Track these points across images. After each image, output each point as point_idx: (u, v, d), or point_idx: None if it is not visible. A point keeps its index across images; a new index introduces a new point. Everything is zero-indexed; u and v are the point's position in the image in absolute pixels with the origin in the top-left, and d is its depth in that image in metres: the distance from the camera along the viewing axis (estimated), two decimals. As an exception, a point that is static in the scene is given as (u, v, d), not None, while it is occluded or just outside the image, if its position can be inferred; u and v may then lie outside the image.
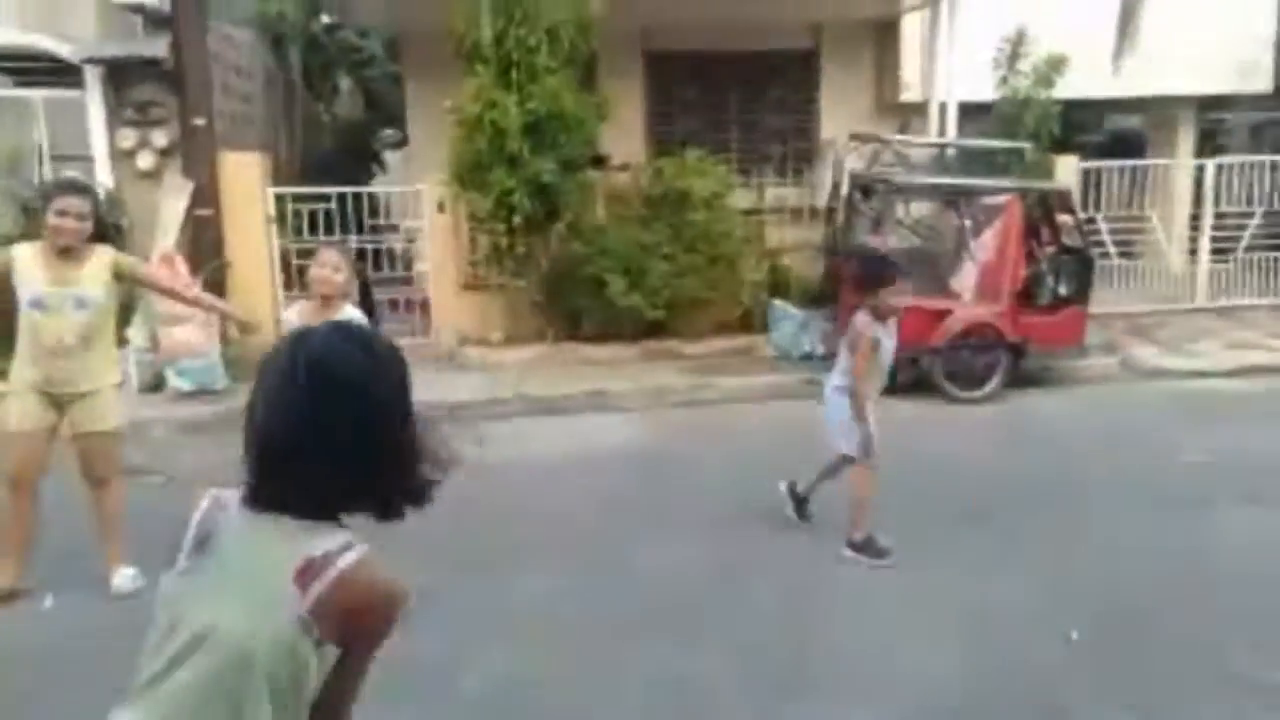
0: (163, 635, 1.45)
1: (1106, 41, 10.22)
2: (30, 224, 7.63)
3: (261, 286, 8.71)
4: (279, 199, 9.02)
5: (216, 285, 8.42)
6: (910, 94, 10.97)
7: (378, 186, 13.04)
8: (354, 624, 1.45)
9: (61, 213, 4.17)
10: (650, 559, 4.76)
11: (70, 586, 4.40)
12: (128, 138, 8.71)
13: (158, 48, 8.51)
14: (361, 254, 7.71)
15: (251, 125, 11.16)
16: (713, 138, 10.89)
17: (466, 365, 8.55)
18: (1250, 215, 10.50)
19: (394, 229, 10.80)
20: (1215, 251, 10.61)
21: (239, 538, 1.47)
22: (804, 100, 11.58)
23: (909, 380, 7.29)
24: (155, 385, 7.77)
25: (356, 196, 9.18)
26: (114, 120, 8.73)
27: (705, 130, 11.16)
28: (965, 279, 7.97)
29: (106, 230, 4.50)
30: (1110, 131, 14.28)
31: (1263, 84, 11.87)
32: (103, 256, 4.33)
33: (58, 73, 8.64)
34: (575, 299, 8.62)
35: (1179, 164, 11.67)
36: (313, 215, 8.95)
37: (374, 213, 9.86)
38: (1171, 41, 10.97)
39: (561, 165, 8.05)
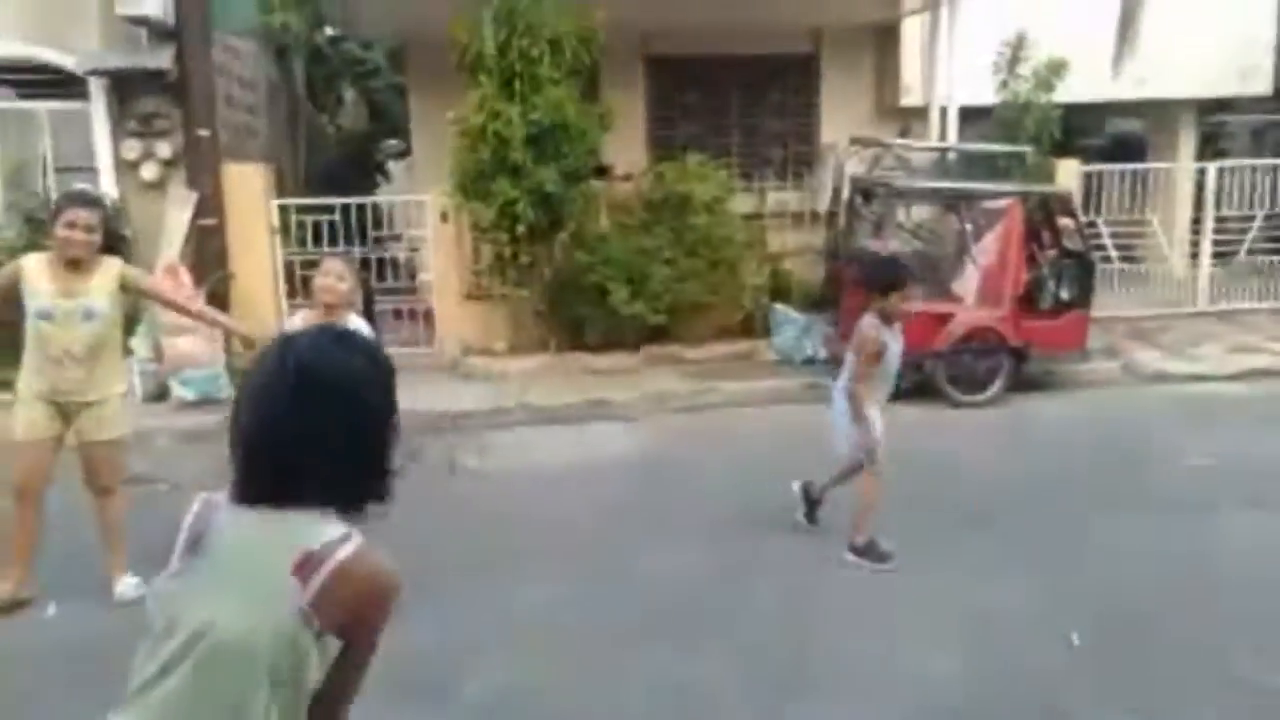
0: (159, 637, 1.46)
1: (1107, 45, 10.24)
2: (36, 235, 7.69)
3: (265, 297, 8.75)
4: (283, 209, 9.06)
5: (220, 296, 8.47)
6: (911, 98, 11.00)
7: (381, 197, 13.07)
8: (354, 614, 1.48)
9: (70, 225, 4.21)
10: (652, 565, 4.77)
11: (73, 594, 4.42)
12: (132, 149, 8.75)
13: (162, 59, 8.55)
14: (365, 264, 7.75)
15: (255, 136, 11.21)
16: (713, 142, 10.92)
17: (470, 375, 8.58)
18: (1251, 218, 10.50)
19: (397, 239, 10.84)
20: (1217, 255, 10.60)
21: (233, 535, 1.49)
22: (804, 104, 11.61)
23: (911, 384, 7.29)
24: (159, 395, 7.81)
25: (360, 207, 9.22)
26: (118, 131, 8.78)
27: (706, 135, 11.19)
28: (967, 283, 7.99)
29: (115, 242, 4.53)
30: (1111, 135, 14.29)
31: (1263, 87, 11.88)
32: (110, 268, 4.37)
33: (62, 84, 8.69)
34: (578, 308, 8.64)
35: (1180, 167, 11.68)
36: (316, 226, 8.99)
37: (377, 223, 9.89)
38: (1172, 45, 10.99)
39: (564, 175, 8.09)
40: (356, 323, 4.06)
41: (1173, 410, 7.50)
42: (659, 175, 9.17)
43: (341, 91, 16.67)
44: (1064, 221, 8.12)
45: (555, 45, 7.96)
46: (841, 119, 11.04)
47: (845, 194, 9.03)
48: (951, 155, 9.53)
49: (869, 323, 4.71)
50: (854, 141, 9.58)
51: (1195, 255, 10.77)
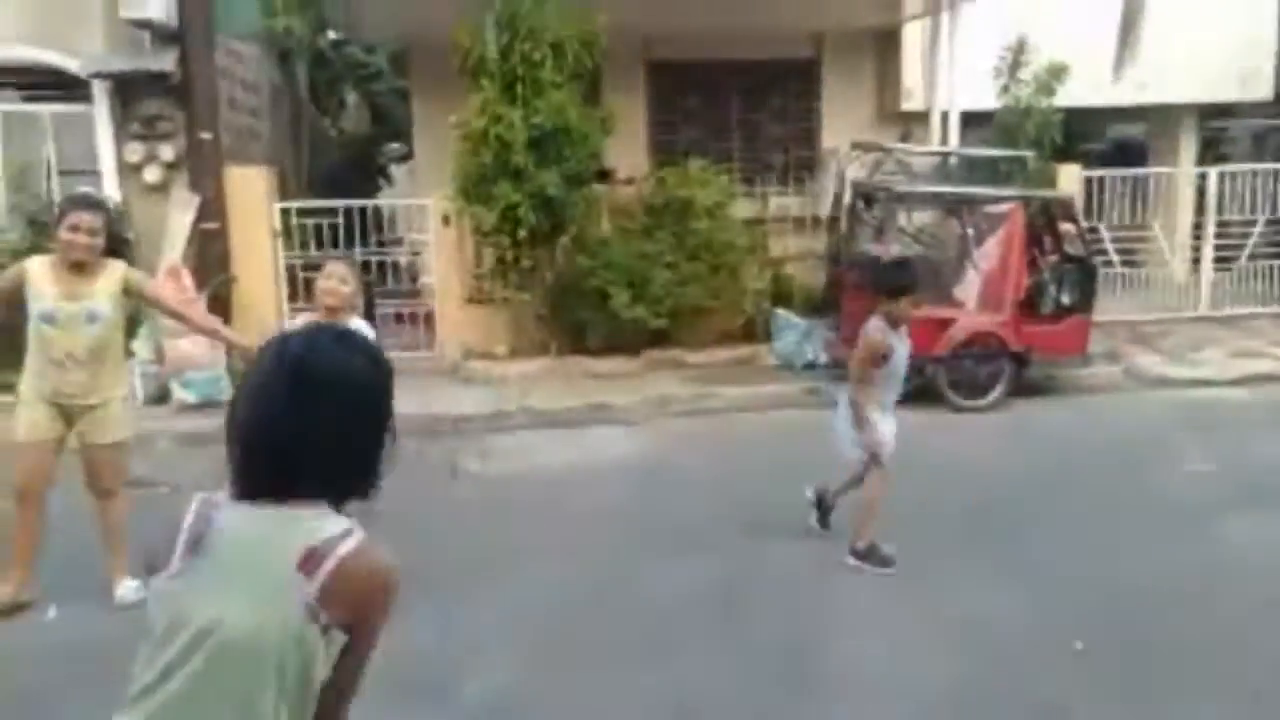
0: (161, 639, 1.46)
1: (1108, 50, 10.25)
2: (39, 238, 7.70)
3: (267, 300, 8.76)
4: (285, 213, 9.07)
5: (222, 299, 8.49)
6: (912, 103, 11.01)
7: (383, 200, 13.11)
8: (358, 608, 1.49)
9: (74, 228, 4.22)
10: (652, 568, 4.77)
11: (74, 597, 4.43)
12: (135, 152, 8.77)
13: (165, 62, 8.57)
14: (366, 267, 7.76)
15: (258, 139, 11.23)
16: (715, 147, 10.94)
17: (471, 378, 8.58)
18: (1253, 223, 10.50)
19: (399, 242, 10.86)
20: (1218, 260, 10.60)
21: (235, 533, 1.49)
22: (806, 109, 11.63)
23: (913, 389, 7.28)
24: (160, 397, 7.82)
25: (362, 210, 9.24)
26: (121, 134, 8.80)
27: (707, 139, 11.21)
28: (968, 288, 7.99)
29: (117, 245, 4.54)
30: (1112, 140, 14.30)
31: (1264, 91, 11.89)
32: (114, 272, 4.37)
33: (66, 87, 8.71)
34: (579, 312, 8.65)
35: (1181, 172, 11.69)
36: (318, 229, 9.01)
37: (379, 226, 9.92)
38: (1173, 50, 11.00)
39: (566, 179, 8.10)
40: (358, 325, 4.06)
41: (1174, 415, 7.50)
42: (660, 180, 9.18)
43: (344, 95, 16.69)
44: (1065, 226, 8.13)
45: (557, 49, 7.98)
46: (843, 124, 11.05)
47: (846, 199, 9.04)
48: (953, 160, 9.55)
49: (874, 325, 4.70)
50: (855, 146, 9.59)
51: (1197, 260, 10.77)
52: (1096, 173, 10.48)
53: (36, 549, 4.43)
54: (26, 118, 8.96)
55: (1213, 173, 10.64)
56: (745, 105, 11.55)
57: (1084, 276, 8.03)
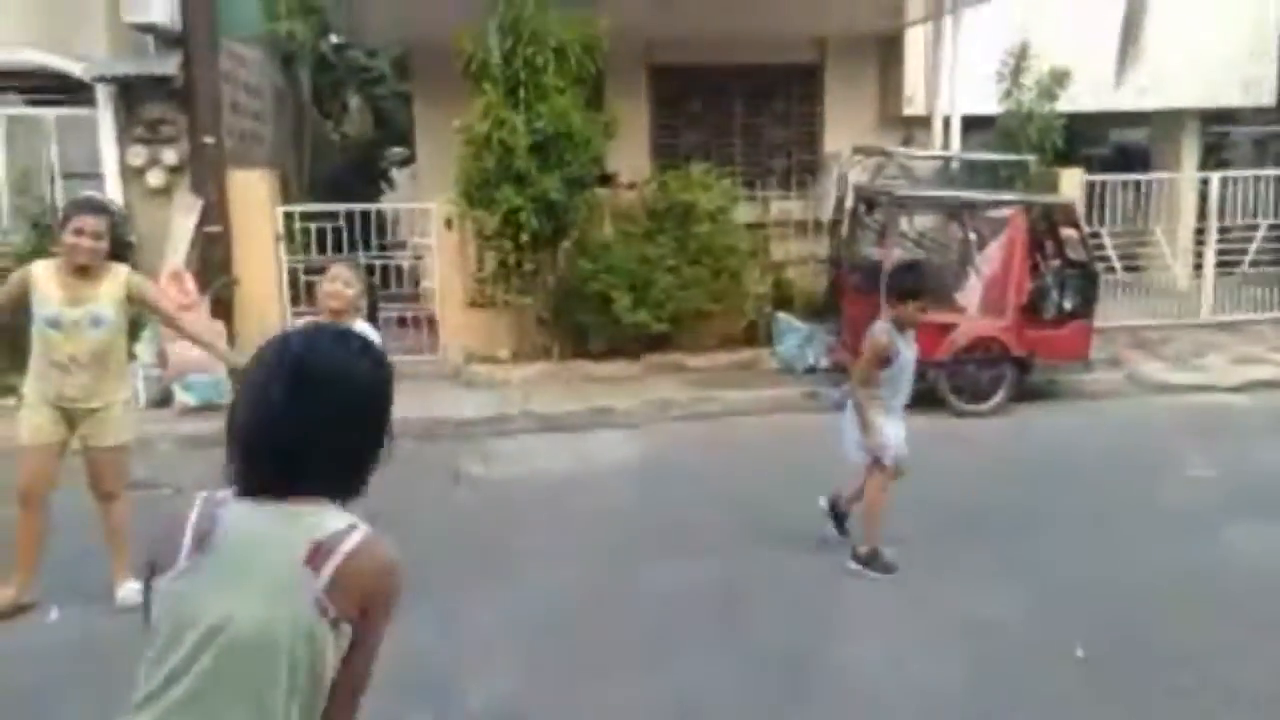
0: (168, 639, 1.46)
1: (1110, 55, 10.26)
2: (42, 241, 7.71)
3: (270, 303, 8.77)
4: (288, 216, 9.08)
5: (224, 302, 8.51)
6: (914, 107, 11.03)
7: (385, 204, 13.12)
8: (365, 601, 1.50)
9: (78, 231, 4.22)
10: (654, 572, 4.77)
11: (75, 599, 4.43)
12: (138, 155, 8.79)
13: (169, 66, 8.59)
14: (369, 271, 7.78)
15: (261, 143, 11.25)
16: (717, 151, 10.96)
17: (473, 382, 8.58)
18: (1255, 229, 10.50)
19: (402, 246, 10.86)
20: (1220, 265, 10.60)
21: (241, 530, 1.50)
22: (808, 114, 11.63)
23: (915, 394, 7.28)
24: (162, 400, 7.83)
25: (364, 214, 9.24)
26: (124, 138, 8.81)
27: (710, 143, 11.23)
28: (970, 292, 7.98)
29: (120, 249, 4.55)
30: (1114, 145, 14.31)
31: (1266, 97, 11.90)
32: (118, 276, 4.38)
33: (69, 91, 8.73)
34: (581, 316, 8.65)
35: (1183, 177, 11.68)
36: (321, 233, 9.01)
37: (382, 230, 9.92)
38: (1175, 55, 11.02)
39: (568, 183, 8.10)
40: (362, 328, 4.06)
41: (1175, 421, 7.50)
42: (663, 184, 9.19)
43: (347, 99, 16.72)
44: (1067, 231, 8.12)
45: (560, 54, 7.99)
46: (845, 128, 11.06)
47: (848, 203, 9.05)
48: (954, 164, 9.55)
49: (881, 327, 4.70)
50: (857, 150, 9.59)
51: (1199, 266, 10.77)
52: (1098, 178, 10.48)
53: (39, 551, 4.44)
54: (30, 121, 8.98)
55: (1215, 178, 10.63)
56: (748, 110, 11.56)
57: (1086, 282, 8.03)
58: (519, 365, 8.74)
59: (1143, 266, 10.83)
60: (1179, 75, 11.36)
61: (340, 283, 4.26)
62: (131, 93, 8.76)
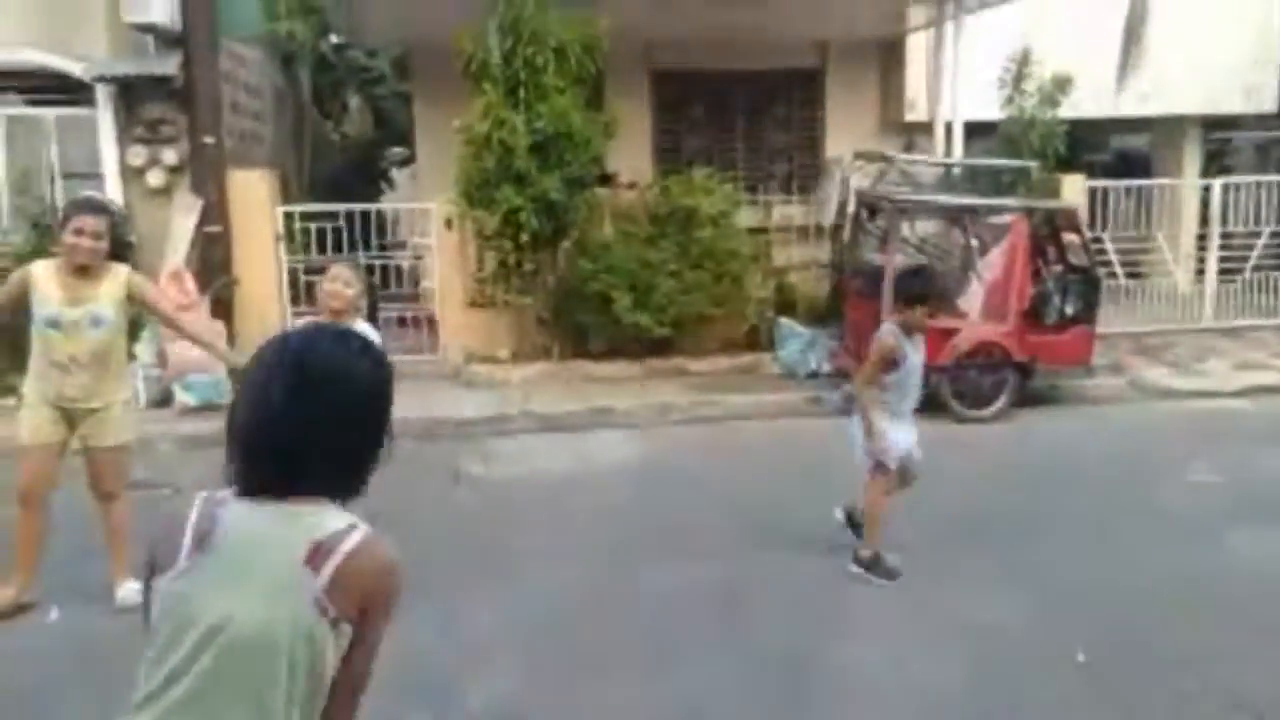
0: (168, 639, 1.45)
1: (1112, 62, 10.27)
2: (42, 241, 7.69)
3: (270, 303, 8.76)
4: (288, 216, 9.07)
5: (224, 302, 8.49)
6: (916, 113, 11.02)
7: (385, 204, 13.11)
8: (365, 601, 1.49)
9: (79, 231, 4.21)
10: (654, 574, 4.75)
11: (75, 599, 4.41)
12: (138, 155, 8.77)
13: (169, 66, 8.58)
14: (369, 271, 7.77)
15: (261, 143, 11.23)
16: (719, 156, 10.95)
17: (473, 382, 8.57)
18: (1257, 235, 10.50)
19: (402, 246, 10.86)
20: (1223, 271, 10.60)
21: (241, 530, 1.49)
22: (810, 119, 11.63)
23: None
24: (162, 400, 7.81)
25: (364, 214, 9.23)
26: (125, 138, 8.80)
27: (712, 148, 11.22)
28: (972, 298, 7.97)
29: (120, 249, 4.53)
30: (1116, 151, 14.31)
31: (1268, 104, 11.90)
32: (118, 276, 4.37)
33: (69, 91, 8.72)
34: (581, 316, 8.64)
35: (1186, 184, 11.69)
36: (321, 233, 9.00)
37: (382, 230, 9.91)
38: (1177, 62, 11.03)
39: (568, 183, 8.10)
40: (362, 328, 4.04)
41: (1178, 427, 7.48)
42: (665, 188, 9.18)
43: (347, 99, 16.72)
44: (1069, 237, 8.11)
45: (560, 54, 7.98)
46: (846, 133, 11.06)
47: (850, 208, 9.04)
48: (956, 170, 9.54)
49: (888, 330, 4.68)
50: (859, 156, 9.58)
51: (1201, 271, 10.77)
52: (1100, 183, 10.47)
53: (39, 551, 4.42)
54: (30, 121, 8.97)
55: (1217, 184, 10.63)
56: (749, 115, 11.55)
57: (1088, 287, 8.01)
58: (519, 365, 8.73)
59: (1145, 272, 10.82)
60: (1181, 82, 11.37)
61: (340, 283, 4.24)
62: (132, 93, 8.75)
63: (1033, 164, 9.43)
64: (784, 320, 9.05)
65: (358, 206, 9.30)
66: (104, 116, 8.73)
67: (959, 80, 9.76)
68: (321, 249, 8.85)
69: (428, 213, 9.23)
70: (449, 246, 9.05)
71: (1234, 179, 10.92)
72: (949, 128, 9.95)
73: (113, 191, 8.59)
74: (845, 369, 8.32)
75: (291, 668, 1.44)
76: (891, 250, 7.88)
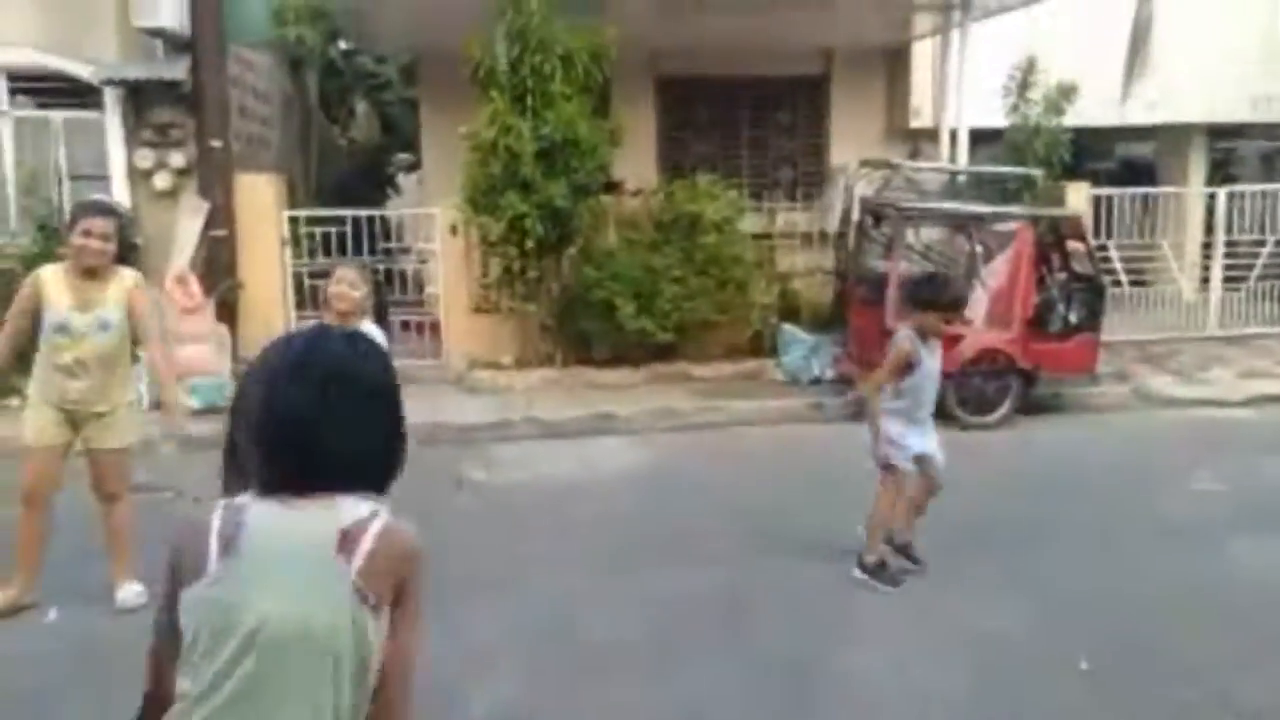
0: (207, 648, 1.45)
1: (1117, 70, 10.26)
2: (49, 243, 7.72)
3: (274, 307, 8.78)
4: (293, 220, 9.10)
5: (229, 305, 8.52)
6: (921, 120, 11.03)
7: (391, 209, 13.14)
8: (399, 580, 1.52)
9: (86, 233, 4.23)
10: (656, 580, 4.74)
11: (75, 600, 4.42)
12: (145, 158, 8.81)
13: (177, 70, 8.62)
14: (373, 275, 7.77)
15: (268, 147, 11.27)
16: (724, 162, 10.96)
17: (476, 388, 8.57)
18: (1262, 243, 10.48)
19: (406, 251, 10.88)
20: (1227, 280, 10.58)
21: (266, 529, 1.49)
22: (815, 125, 11.64)
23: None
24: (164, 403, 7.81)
25: (370, 219, 9.26)
26: (132, 141, 8.84)
27: (716, 154, 11.23)
28: (976, 305, 7.97)
29: (126, 251, 4.55)
30: (1121, 159, 14.30)
31: (1275, 113, 11.89)
32: (124, 280, 4.39)
33: (78, 94, 8.76)
34: (585, 323, 8.65)
35: (1191, 192, 11.67)
36: (326, 237, 9.03)
37: (387, 235, 9.93)
38: (1183, 71, 11.03)
39: (574, 190, 8.11)
40: (369, 329, 4.04)
41: (1181, 435, 7.47)
42: (669, 194, 9.20)
43: (354, 104, 16.76)
44: (1074, 245, 8.11)
45: (567, 62, 8.01)
46: (851, 140, 11.07)
47: (854, 215, 9.04)
48: (961, 177, 9.54)
49: (904, 335, 4.66)
50: (864, 163, 9.59)
51: (1205, 280, 10.75)
52: (1105, 191, 10.47)
53: (41, 552, 4.43)
54: (38, 123, 9.02)
55: (1221, 193, 10.62)
56: (754, 121, 11.57)
57: (1092, 295, 8.01)
58: (522, 371, 8.74)
59: (1149, 280, 10.81)
60: (1187, 90, 11.38)
61: (346, 284, 4.23)
62: (140, 96, 8.79)
63: (1038, 172, 9.44)
64: (787, 326, 9.05)
65: (363, 211, 9.33)
66: (112, 119, 8.77)
67: (964, 87, 9.77)
68: (327, 253, 8.87)
69: (433, 218, 9.25)
70: (454, 252, 9.07)
71: (1239, 187, 10.92)
72: (954, 135, 9.96)
73: (119, 194, 8.63)
74: (848, 375, 8.32)
75: (336, 659, 1.45)
76: (896, 257, 7.89)
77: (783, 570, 4.88)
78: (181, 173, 8.81)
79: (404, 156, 16.74)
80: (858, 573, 4.70)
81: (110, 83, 8.61)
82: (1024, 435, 7.49)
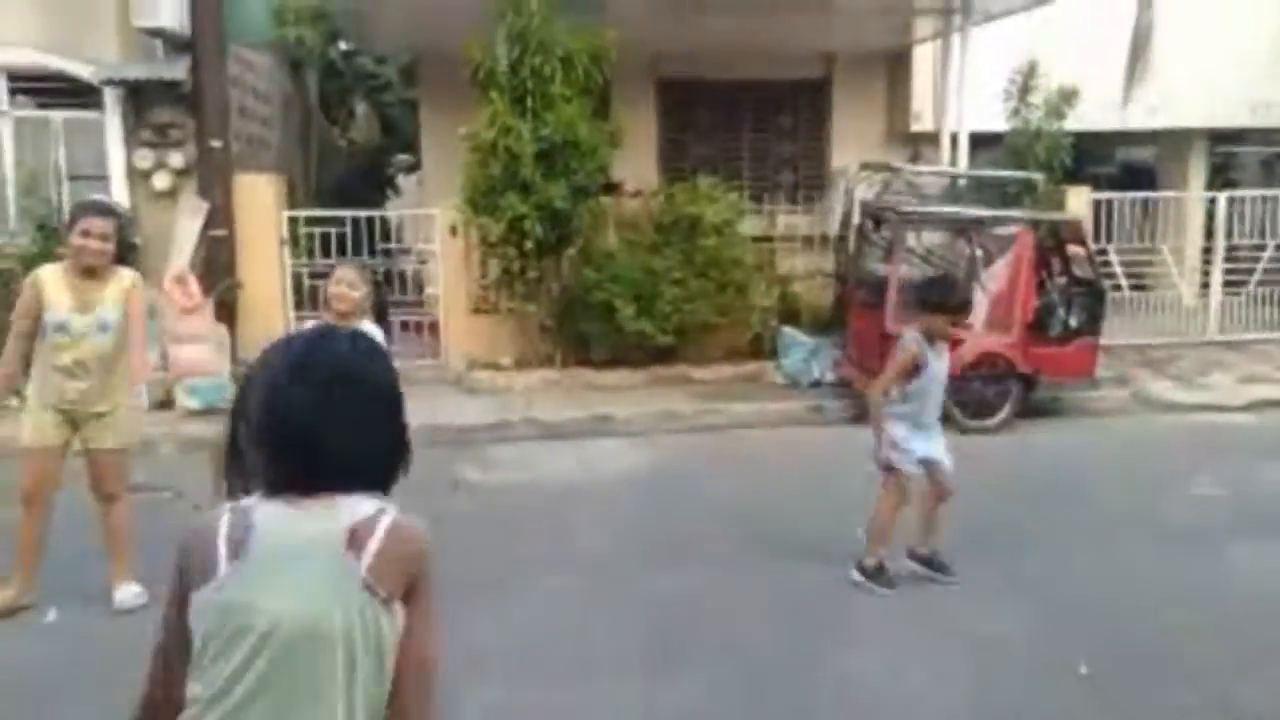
0: (218, 651, 1.44)
1: (1118, 74, 10.27)
2: (48, 243, 7.72)
3: (274, 307, 8.78)
4: (293, 221, 9.10)
5: (229, 305, 8.51)
6: (921, 124, 11.03)
7: (391, 210, 13.14)
8: (409, 574, 1.51)
9: (86, 233, 4.23)
10: (654, 583, 4.74)
11: (73, 600, 4.41)
12: (145, 158, 8.80)
13: (177, 71, 8.62)
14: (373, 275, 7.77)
15: (268, 148, 11.27)
16: (724, 165, 10.96)
17: (475, 389, 8.57)
18: (1262, 248, 10.48)
19: (406, 252, 10.87)
20: (1227, 285, 10.58)
21: (275, 530, 1.49)
22: (815, 129, 11.64)
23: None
24: (164, 403, 7.81)
25: (369, 220, 9.26)
26: (132, 141, 8.84)
27: (717, 157, 11.23)
28: (976, 309, 7.96)
29: (125, 251, 4.54)
30: (1122, 163, 14.30)
31: (1275, 119, 11.90)
32: (123, 280, 4.39)
33: (78, 94, 8.76)
34: (585, 324, 8.64)
35: (1191, 196, 11.67)
36: (326, 237, 9.02)
37: (386, 236, 9.93)
38: (1184, 75, 11.03)
39: (573, 191, 8.11)
40: (369, 328, 4.03)
41: (1181, 440, 7.46)
42: (670, 197, 9.20)
43: (354, 105, 16.75)
44: (1074, 249, 8.10)
45: (567, 63, 8.00)
46: (852, 144, 11.07)
47: (855, 218, 9.04)
48: (962, 181, 9.54)
49: (911, 337, 4.65)
50: (864, 166, 9.58)
51: (1205, 284, 10.74)
52: (1106, 196, 10.46)
53: (40, 553, 4.42)
54: (38, 123, 9.01)
55: (1222, 197, 10.62)
56: (755, 124, 11.58)
57: (1092, 299, 8.00)
58: (521, 372, 8.73)
59: (1149, 285, 10.81)
60: (1187, 95, 11.37)
61: (345, 284, 4.21)
62: (140, 96, 8.79)
63: (1038, 176, 9.43)
64: (787, 329, 9.05)
65: (363, 212, 9.33)
66: (111, 119, 8.77)
67: (965, 92, 9.77)
68: (326, 254, 8.87)
69: (432, 219, 9.25)
70: (453, 253, 9.07)
71: (1239, 192, 10.91)
72: (954, 139, 9.96)
73: (119, 194, 8.63)
74: (848, 379, 8.32)
75: (350, 657, 1.44)
76: (896, 261, 7.88)
77: (781, 573, 4.87)
78: (181, 173, 8.81)
79: (404, 157, 16.74)
80: (856, 575, 4.69)
81: (110, 83, 8.61)
82: (1023, 439, 7.48)
